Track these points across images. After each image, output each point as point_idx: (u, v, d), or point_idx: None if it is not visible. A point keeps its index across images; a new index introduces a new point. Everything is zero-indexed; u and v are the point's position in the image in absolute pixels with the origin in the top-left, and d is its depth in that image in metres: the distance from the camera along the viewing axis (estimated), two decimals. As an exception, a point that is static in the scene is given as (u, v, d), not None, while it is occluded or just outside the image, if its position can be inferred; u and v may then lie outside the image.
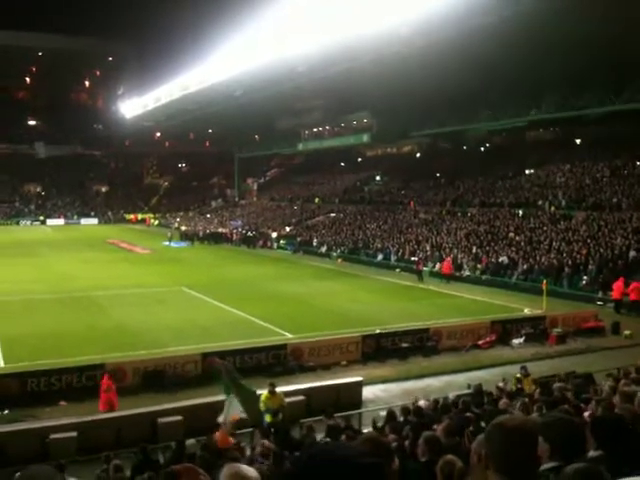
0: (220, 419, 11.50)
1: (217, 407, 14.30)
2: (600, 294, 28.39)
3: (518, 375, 14.52)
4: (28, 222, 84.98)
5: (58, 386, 15.87)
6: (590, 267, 30.23)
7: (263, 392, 13.71)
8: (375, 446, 2.80)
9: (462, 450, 6.77)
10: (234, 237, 59.47)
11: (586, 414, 6.89)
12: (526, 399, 9.72)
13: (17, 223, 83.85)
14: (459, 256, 37.36)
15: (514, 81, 40.04)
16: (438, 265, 37.18)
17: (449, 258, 36.48)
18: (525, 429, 2.35)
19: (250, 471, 2.24)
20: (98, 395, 15.65)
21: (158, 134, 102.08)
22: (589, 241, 33.01)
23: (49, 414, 14.59)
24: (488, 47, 31.86)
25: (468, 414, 9.13)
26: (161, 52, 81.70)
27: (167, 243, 56.93)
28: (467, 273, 35.42)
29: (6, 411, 14.70)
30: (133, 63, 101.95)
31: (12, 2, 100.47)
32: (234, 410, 11.52)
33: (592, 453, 3.40)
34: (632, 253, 30.36)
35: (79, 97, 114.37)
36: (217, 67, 50.49)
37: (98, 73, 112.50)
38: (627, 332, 22.54)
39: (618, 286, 26.72)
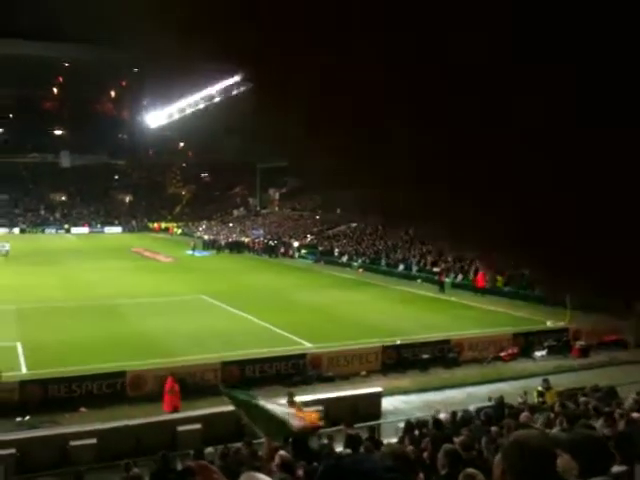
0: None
1: (235, 416, 14.33)
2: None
3: (540, 388, 14.32)
4: (53, 230, 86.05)
5: (79, 393, 15.99)
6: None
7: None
8: (400, 459, 2.77)
9: (481, 463, 6.68)
10: (256, 246, 59.69)
11: (607, 430, 6.77)
12: (551, 414, 9.58)
13: (42, 231, 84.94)
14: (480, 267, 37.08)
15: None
16: (455, 276, 36.93)
17: (482, 271, 35.13)
18: (543, 446, 2.30)
19: None
20: (119, 402, 15.80)
21: (181, 144, 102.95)
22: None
23: (69, 420, 14.69)
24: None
25: (491, 427, 9.01)
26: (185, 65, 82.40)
27: (190, 252, 57.24)
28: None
29: (27, 417, 14.82)
30: (158, 75, 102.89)
31: (39, 13, 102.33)
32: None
33: (617, 468, 3.33)
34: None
35: (104, 107, 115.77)
36: (240, 79, 50.88)
37: (124, 84, 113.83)
38: (652, 346, 22.18)
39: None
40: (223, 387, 12.30)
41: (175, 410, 15.14)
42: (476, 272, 36.13)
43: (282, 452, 10.27)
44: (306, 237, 59.67)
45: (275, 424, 9.99)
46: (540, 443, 2.33)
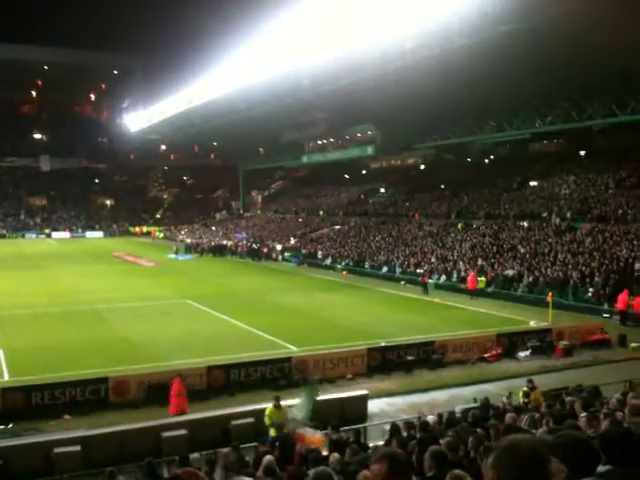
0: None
1: (222, 420, 14.27)
2: (606, 306, 28.31)
3: (525, 388, 14.40)
4: (34, 235, 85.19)
5: (62, 400, 15.82)
6: (596, 279, 30.11)
7: (268, 406, 13.63)
8: (394, 462, 2.75)
9: (468, 464, 6.70)
10: (239, 249, 59.58)
11: (591, 430, 6.81)
12: (535, 414, 9.62)
13: (23, 236, 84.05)
14: (463, 268, 37.25)
15: (518, 93, 40.06)
16: (438, 278, 37.09)
17: (473, 273, 34.78)
18: (536, 452, 2.29)
19: None
20: (102, 408, 15.67)
21: (163, 147, 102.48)
22: (594, 253, 32.90)
23: (53, 428, 14.54)
24: (492, 59, 31.91)
25: (477, 429, 9.04)
26: (166, 66, 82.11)
27: (173, 256, 56.98)
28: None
29: (10, 425, 14.65)
30: (138, 76, 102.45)
31: (17, 16, 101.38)
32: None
33: (601, 468, 3.35)
34: (638, 265, 30.25)
35: (84, 110, 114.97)
36: (222, 81, 50.70)
37: (103, 86, 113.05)
38: (634, 344, 22.41)
39: (623, 298, 26.63)
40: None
41: (182, 413, 15.11)
42: (449, 272, 36.39)
43: (268, 457, 10.25)
44: (289, 240, 59.63)
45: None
46: (532, 448, 2.31)
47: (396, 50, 33.09)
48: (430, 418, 11.46)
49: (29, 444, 13.09)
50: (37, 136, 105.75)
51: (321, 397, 16.05)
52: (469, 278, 34.04)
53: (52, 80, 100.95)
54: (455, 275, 36.91)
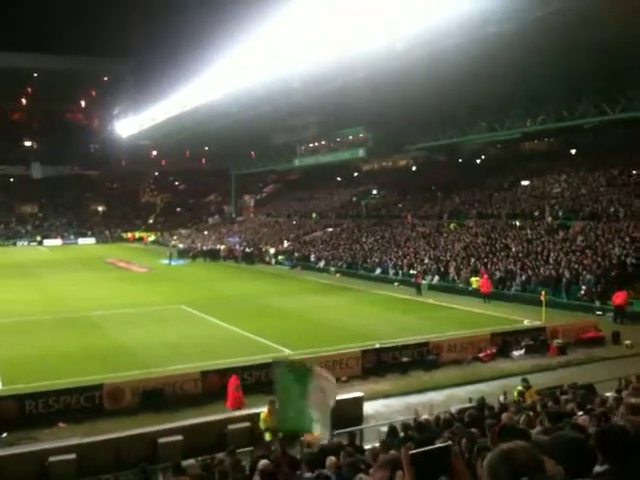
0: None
1: (218, 425, 14.22)
2: (598, 304, 28.42)
3: (520, 388, 14.41)
4: (25, 243, 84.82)
5: (56, 408, 15.71)
6: (588, 277, 30.21)
7: (263, 410, 13.59)
8: (397, 468, 2.74)
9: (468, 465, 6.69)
10: (234, 253, 59.50)
11: (587, 428, 6.81)
12: (530, 412, 9.62)
13: (14, 244, 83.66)
14: (459, 267, 37.31)
15: (509, 93, 40.22)
16: (431, 278, 37.16)
17: (486, 275, 33.84)
18: (531, 458, 2.27)
19: None
20: (97, 416, 15.59)
21: (154, 153, 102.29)
22: (586, 251, 33.00)
23: (48, 436, 14.44)
24: (482, 60, 32.00)
25: (471, 429, 9.03)
26: (156, 71, 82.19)
27: (167, 262, 56.70)
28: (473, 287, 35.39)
29: (4, 434, 14.55)
30: (129, 82, 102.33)
31: (6, 23, 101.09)
32: None
33: (598, 468, 3.34)
34: (629, 260, 30.43)
35: (75, 117, 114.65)
36: (212, 85, 50.65)
37: (94, 93, 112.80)
38: (628, 342, 22.47)
39: (618, 295, 26.73)
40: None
41: (238, 408, 15.37)
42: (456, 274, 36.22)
43: (264, 461, 10.22)
44: (283, 243, 59.59)
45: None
46: (527, 455, 2.29)
47: (386, 52, 33.13)
48: (424, 418, 11.44)
49: (23, 453, 13.00)
50: (28, 144, 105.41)
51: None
52: (482, 281, 33.18)
53: (42, 87, 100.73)
54: (452, 275, 36.97)
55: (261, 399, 15.29)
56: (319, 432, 8.58)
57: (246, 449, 12.19)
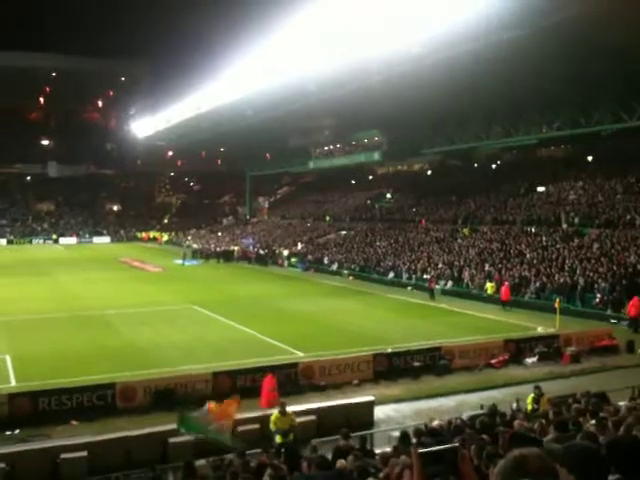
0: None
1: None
2: (609, 311, 28.22)
3: (533, 395, 14.31)
4: (41, 241, 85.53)
5: (69, 405, 15.83)
6: (603, 285, 29.97)
7: (274, 412, 13.61)
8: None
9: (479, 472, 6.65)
10: (248, 255, 59.67)
11: (600, 437, 6.76)
12: (543, 420, 9.56)
13: (30, 242, 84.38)
14: (473, 272, 37.15)
15: (525, 98, 40.03)
16: (445, 283, 37.05)
17: (507, 283, 32.98)
18: (544, 465, 2.26)
19: None
20: (109, 414, 15.69)
21: (170, 153, 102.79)
22: (602, 259, 32.75)
23: (60, 433, 14.54)
24: (499, 64, 31.88)
25: (482, 435, 8.99)
26: (173, 73, 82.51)
27: (180, 261, 56.97)
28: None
29: (17, 430, 14.67)
30: (146, 83, 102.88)
31: (25, 23, 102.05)
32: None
33: (611, 478, 3.30)
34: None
35: (92, 117, 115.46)
36: (229, 87, 50.81)
37: (111, 93, 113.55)
38: (643, 351, 22.27)
39: (634, 304, 26.46)
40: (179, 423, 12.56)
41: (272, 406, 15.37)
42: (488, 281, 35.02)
43: (275, 461, 10.23)
44: (296, 245, 59.64)
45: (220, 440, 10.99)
46: (540, 462, 2.28)
47: (402, 55, 33.10)
48: (436, 424, 11.39)
49: (36, 450, 13.10)
50: (45, 143, 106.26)
51: (325, 404, 16.04)
52: (503, 289, 32.27)
53: (59, 87, 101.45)
54: (466, 281, 36.79)
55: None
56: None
57: (255, 450, 12.21)
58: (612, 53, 29.05)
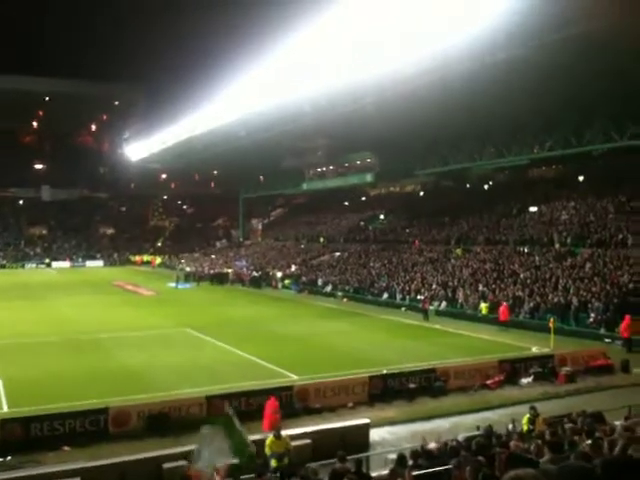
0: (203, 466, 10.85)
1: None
2: (603, 331, 28.26)
3: (528, 415, 14.26)
4: (34, 265, 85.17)
5: (61, 431, 15.65)
6: (597, 304, 30.02)
7: (269, 436, 13.50)
8: None
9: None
10: (242, 277, 59.57)
11: (595, 457, 6.74)
12: (539, 441, 9.52)
13: (22, 266, 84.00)
14: (467, 293, 37.17)
15: (517, 119, 40.40)
16: (439, 304, 37.04)
17: (505, 303, 32.75)
18: None
19: None
20: (102, 439, 15.51)
21: (164, 176, 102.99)
22: (595, 278, 32.85)
23: (52, 459, 14.37)
24: (492, 85, 32.22)
25: (478, 457, 8.94)
26: (167, 95, 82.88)
27: (174, 285, 56.82)
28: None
29: (9, 457, 14.49)
30: (139, 107, 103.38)
31: (18, 47, 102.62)
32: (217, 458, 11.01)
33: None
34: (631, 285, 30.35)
35: (85, 141, 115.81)
36: (222, 109, 51.10)
37: (104, 117, 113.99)
38: (637, 370, 22.26)
39: (626, 324, 26.52)
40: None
41: (277, 429, 14.90)
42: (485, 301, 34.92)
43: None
44: (290, 267, 59.61)
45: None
46: None
47: (395, 76, 33.42)
48: (432, 446, 11.33)
49: (28, 476, 12.93)
50: (38, 166, 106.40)
51: (320, 427, 15.93)
52: (501, 309, 32.08)
53: (53, 111, 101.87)
54: (460, 301, 36.80)
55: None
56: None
57: (249, 476, 12.09)
58: (603, 73, 29.41)
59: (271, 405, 16.28)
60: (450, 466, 8.44)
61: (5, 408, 18.27)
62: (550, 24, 25.07)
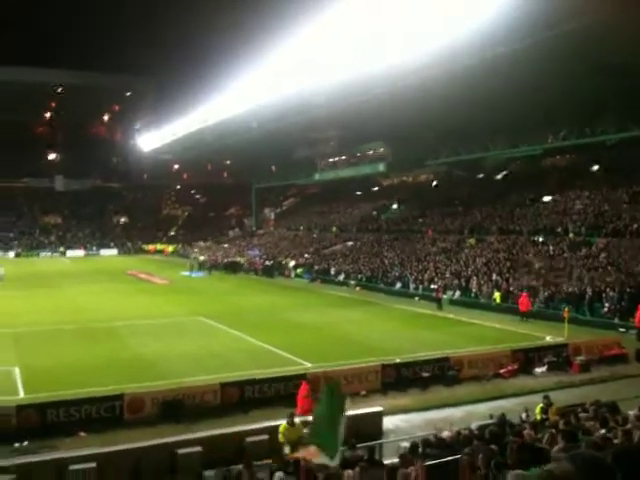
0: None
1: (237, 437, 14.22)
2: (617, 320, 28.12)
3: (542, 404, 14.24)
4: (48, 253, 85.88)
5: (77, 417, 15.83)
6: (611, 294, 29.86)
7: (282, 423, 13.58)
8: None
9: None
10: (255, 266, 59.72)
11: (609, 446, 6.74)
12: (553, 430, 9.52)
13: (37, 255, 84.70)
14: (480, 282, 37.07)
15: (530, 108, 40.09)
16: (452, 294, 36.95)
17: (525, 293, 32.18)
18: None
19: None
20: (117, 425, 15.69)
21: (176, 166, 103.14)
22: (609, 268, 32.65)
23: (68, 445, 14.54)
24: (504, 75, 32.01)
25: (491, 446, 8.95)
26: (179, 87, 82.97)
27: (187, 273, 57.17)
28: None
29: (25, 442, 14.68)
30: (151, 98, 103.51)
31: (31, 39, 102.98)
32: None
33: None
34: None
35: (98, 131, 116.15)
36: (234, 100, 51.10)
37: (117, 108, 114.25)
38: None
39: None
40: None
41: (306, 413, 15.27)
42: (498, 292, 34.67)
43: (279, 473, 10.23)
44: (302, 256, 59.67)
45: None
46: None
47: (407, 68, 33.27)
48: (445, 434, 11.36)
49: (44, 461, 13.09)
50: (52, 157, 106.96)
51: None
52: (521, 299, 31.54)
53: (66, 102, 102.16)
54: (474, 291, 36.70)
55: (280, 412, 15.28)
56: (334, 464, 8.78)
57: (265, 462, 12.18)
58: (614, 66, 29.13)
59: (303, 390, 16.56)
60: (460, 455, 8.47)
61: (22, 394, 18.48)
62: (560, 15, 24.85)
